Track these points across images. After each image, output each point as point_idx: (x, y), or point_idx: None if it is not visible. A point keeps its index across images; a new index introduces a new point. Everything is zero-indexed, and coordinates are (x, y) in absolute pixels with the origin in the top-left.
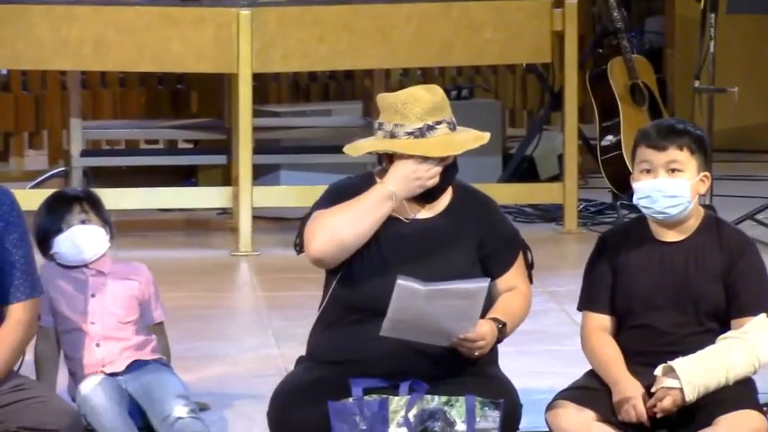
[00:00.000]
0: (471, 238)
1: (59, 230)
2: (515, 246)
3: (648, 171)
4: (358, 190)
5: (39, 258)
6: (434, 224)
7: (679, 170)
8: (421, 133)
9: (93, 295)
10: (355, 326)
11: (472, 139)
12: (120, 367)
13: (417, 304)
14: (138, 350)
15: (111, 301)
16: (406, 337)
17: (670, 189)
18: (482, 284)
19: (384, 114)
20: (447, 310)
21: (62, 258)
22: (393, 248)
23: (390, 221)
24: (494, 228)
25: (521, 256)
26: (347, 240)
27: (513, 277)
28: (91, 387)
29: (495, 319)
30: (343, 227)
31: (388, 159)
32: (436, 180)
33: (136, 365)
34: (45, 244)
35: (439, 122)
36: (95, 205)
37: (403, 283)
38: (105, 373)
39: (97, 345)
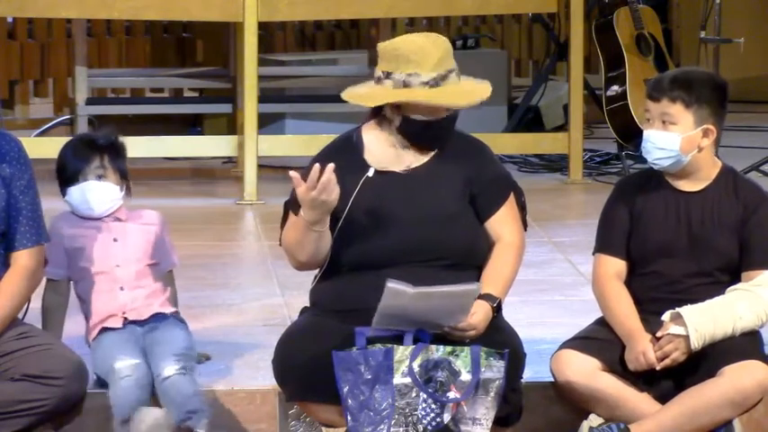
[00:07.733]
0: (462, 178)
1: (75, 180)
2: (504, 185)
3: (650, 121)
4: (341, 156)
5: (54, 202)
6: (425, 168)
7: (672, 122)
8: (436, 83)
9: (115, 240)
10: (357, 276)
11: (481, 89)
12: (144, 315)
13: (405, 304)
14: (160, 299)
15: (133, 247)
16: (398, 327)
17: (659, 141)
18: (471, 287)
19: (390, 63)
20: (437, 308)
21: (72, 207)
22: (384, 200)
23: (383, 175)
24: (483, 166)
25: (512, 201)
26: (304, 260)
27: (503, 221)
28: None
29: (488, 296)
30: (296, 252)
31: (395, 109)
32: (329, 194)
33: (156, 318)
34: (62, 187)
35: (450, 71)
36: (116, 157)
37: (392, 285)
38: (127, 320)
39: (121, 288)
